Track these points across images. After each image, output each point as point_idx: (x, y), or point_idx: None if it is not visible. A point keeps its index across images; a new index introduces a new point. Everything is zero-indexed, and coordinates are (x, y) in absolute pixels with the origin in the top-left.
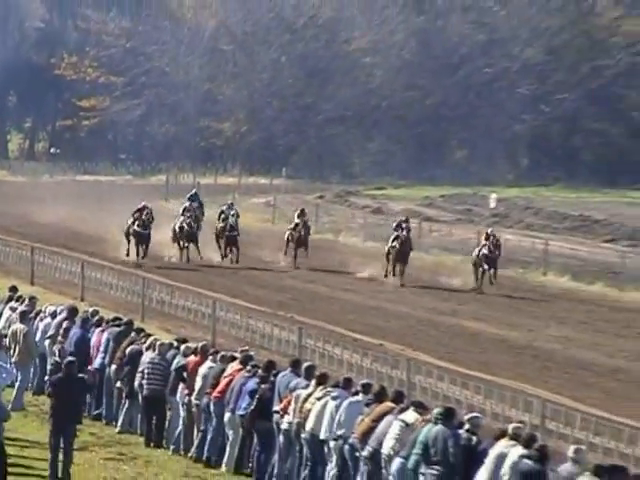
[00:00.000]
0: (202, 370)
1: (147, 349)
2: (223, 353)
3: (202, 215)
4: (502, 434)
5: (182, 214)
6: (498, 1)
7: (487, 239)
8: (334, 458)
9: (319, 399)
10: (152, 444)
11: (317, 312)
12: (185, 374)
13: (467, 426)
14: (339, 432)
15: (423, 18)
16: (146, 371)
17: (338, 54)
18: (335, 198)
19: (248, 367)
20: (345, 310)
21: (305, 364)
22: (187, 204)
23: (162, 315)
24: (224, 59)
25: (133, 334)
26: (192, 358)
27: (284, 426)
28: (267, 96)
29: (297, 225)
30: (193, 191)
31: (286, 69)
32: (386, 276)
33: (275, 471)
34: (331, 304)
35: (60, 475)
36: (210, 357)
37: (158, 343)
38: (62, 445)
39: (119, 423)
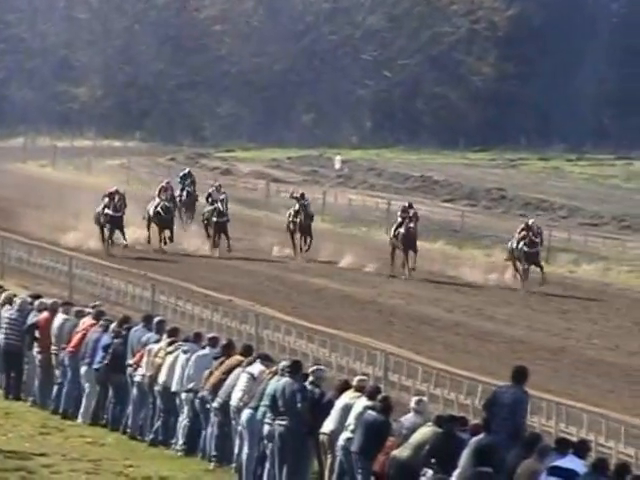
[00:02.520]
0: (56, 324)
1: (3, 304)
2: (77, 308)
3: (195, 193)
4: (347, 386)
5: (158, 195)
6: None
7: (526, 230)
8: (186, 409)
9: (170, 353)
10: (11, 396)
11: (170, 270)
12: (37, 331)
13: (311, 378)
14: (189, 385)
15: None
16: (4, 326)
17: (189, 22)
18: (186, 160)
19: (101, 322)
20: (197, 268)
21: (156, 319)
22: (164, 183)
23: (20, 272)
24: (80, 26)
25: None
26: (44, 314)
27: (137, 379)
28: (121, 62)
29: (297, 212)
30: (187, 170)
31: (139, 36)
32: (392, 272)
33: (129, 422)
34: (183, 262)
35: None
36: (62, 311)
37: (18, 299)
38: None
39: None
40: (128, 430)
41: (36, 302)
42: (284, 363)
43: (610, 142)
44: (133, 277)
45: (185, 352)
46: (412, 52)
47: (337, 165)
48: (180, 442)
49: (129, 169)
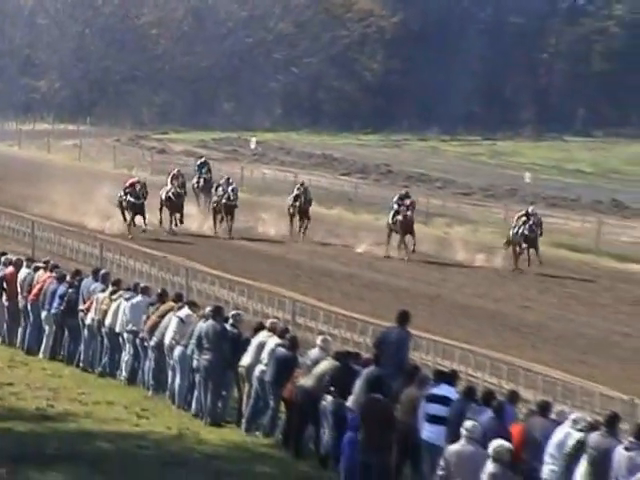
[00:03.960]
0: (20, 277)
1: None
2: (36, 264)
3: (210, 177)
4: (261, 327)
5: (170, 182)
6: None
7: (526, 215)
8: (127, 347)
9: (114, 300)
10: None
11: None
12: (5, 282)
13: (231, 321)
14: (130, 326)
15: None
16: None
17: (130, 27)
18: (128, 141)
19: (54, 274)
20: (140, 229)
21: (102, 272)
22: (175, 171)
23: None
24: (40, 31)
25: None
26: (10, 269)
27: (88, 322)
28: (75, 60)
29: (297, 197)
30: (203, 159)
31: (89, 39)
32: (387, 255)
33: (82, 357)
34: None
35: None
36: (26, 266)
37: None
38: None
39: None
40: (81, 364)
41: (3, 258)
42: (208, 308)
43: (478, 126)
44: (85, 237)
45: (126, 299)
46: (315, 52)
47: (253, 145)
48: (123, 374)
49: (81, 148)
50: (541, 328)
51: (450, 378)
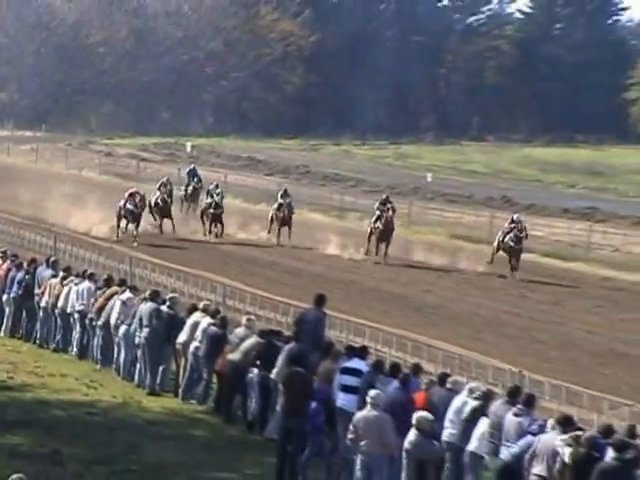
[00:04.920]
0: None
1: None
2: None
3: (200, 185)
4: (195, 308)
5: (158, 189)
6: (191, 8)
7: (511, 223)
8: (78, 326)
9: (65, 285)
10: None
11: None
12: None
13: (168, 303)
14: (80, 308)
15: (139, 20)
16: None
17: (80, 45)
18: (79, 145)
19: (14, 262)
20: (90, 221)
21: (52, 259)
22: (164, 179)
23: None
24: (1, 49)
25: None
26: None
27: (43, 304)
28: (32, 75)
29: (281, 205)
30: (192, 166)
31: (45, 56)
32: (367, 254)
33: (38, 335)
34: (80, 218)
35: None
36: None
37: None
38: None
39: None
40: (37, 341)
41: None
42: (148, 292)
43: (385, 132)
44: (40, 230)
45: (76, 284)
46: (242, 67)
47: (188, 149)
48: (75, 350)
49: (37, 152)
50: (441, 309)
51: (361, 353)
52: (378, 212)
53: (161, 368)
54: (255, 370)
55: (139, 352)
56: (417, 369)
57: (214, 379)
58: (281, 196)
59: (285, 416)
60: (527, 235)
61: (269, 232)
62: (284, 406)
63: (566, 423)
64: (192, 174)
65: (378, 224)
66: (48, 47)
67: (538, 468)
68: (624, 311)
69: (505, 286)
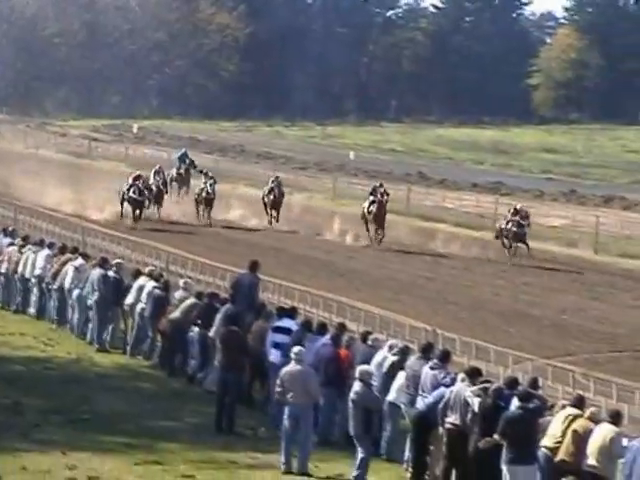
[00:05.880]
0: None
1: None
2: None
3: (194, 167)
4: (139, 273)
5: (153, 177)
6: (137, 3)
7: (515, 214)
8: (35, 290)
9: (24, 252)
10: None
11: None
12: None
13: (114, 268)
14: (37, 273)
15: (91, 14)
16: None
17: (38, 36)
18: (37, 127)
19: None
20: (45, 195)
21: (10, 228)
22: (157, 167)
23: None
24: None
25: None
26: None
27: (3, 270)
28: None
29: (272, 190)
30: (183, 150)
31: (5, 47)
32: (370, 241)
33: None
34: (36, 193)
35: None
36: None
37: None
38: None
39: None
40: None
41: None
42: (97, 259)
43: (312, 115)
44: (1, 203)
45: (34, 252)
46: (184, 56)
47: (135, 130)
48: (33, 310)
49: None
50: (363, 274)
51: (291, 313)
52: (372, 197)
53: (110, 327)
54: (195, 329)
55: (91, 313)
56: (342, 328)
57: (158, 337)
58: (272, 182)
59: (222, 370)
60: (529, 224)
61: (269, 216)
62: (221, 361)
63: (475, 375)
64: (183, 158)
65: (372, 208)
66: (8, 38)
67: (452, 417)
68: (527, 275)
69: (421, 253)
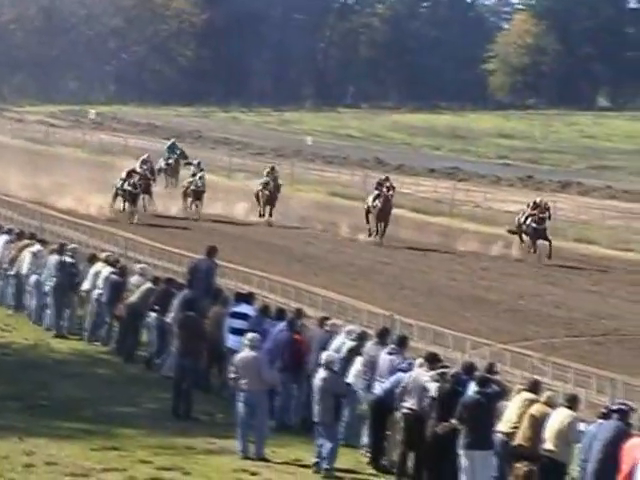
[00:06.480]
0: None
1: None
2: None
3: (185, 157)
4: (94, 257)
5: (140, 166)
6: None
7: (535, 208)
8: None
9: None
10: None
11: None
12: None
13: (69, 253)
14: None
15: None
16: None
17: None
18: None
19: None
20: (3, 181)
21: None
22: (145, 156)
23: None
24: None
25: None
26: None
27: None
28: None
29: (267, 184)
30: (172, 141)
31: None
32: (370, 235)
33: None
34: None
35: None
36: None
37: None
38: None
39: None
40: None
41: None
42: (55, 245)
43: (269, 100)
44: None
45: None
46: (141, 42)
47: (92, 116)
48: None
49: None
50: (320, 259)
51: (249, 298)
52: (377, 191)
53: (68, 313)
54: (152, 314)
55: (48, 299)
56: (300, 313)
57: (115, 323)
58: (267, 174)
59: (180, 356)
60: (550, 216)
61: (261, 213)
62: (179, 347)
63: (433, 361)
64: (172, 149)
65: (376, 202)
66: None
67: (409, 402)
68: (484, 260)
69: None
